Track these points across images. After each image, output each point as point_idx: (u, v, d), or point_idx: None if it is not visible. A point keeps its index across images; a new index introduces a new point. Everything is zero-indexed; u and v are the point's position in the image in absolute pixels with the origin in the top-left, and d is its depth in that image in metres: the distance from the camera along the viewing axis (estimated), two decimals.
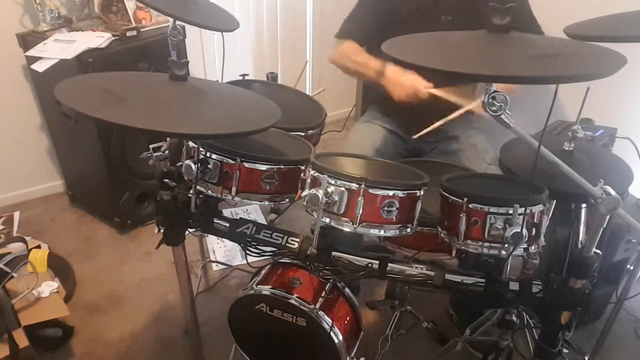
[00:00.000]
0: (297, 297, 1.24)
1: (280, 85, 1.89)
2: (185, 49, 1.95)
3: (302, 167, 1.18)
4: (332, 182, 1.05)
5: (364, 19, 1.77)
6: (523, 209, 0.98)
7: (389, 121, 1.84)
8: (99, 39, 1.98)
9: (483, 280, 1.14)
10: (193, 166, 1.13)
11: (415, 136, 1.58)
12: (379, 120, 1.84)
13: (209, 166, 1.15)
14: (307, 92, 2.34)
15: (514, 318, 1.39)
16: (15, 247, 1.89)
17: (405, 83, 1.56)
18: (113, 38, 2.01)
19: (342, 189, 1.04)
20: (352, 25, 1.79)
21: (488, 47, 0.91)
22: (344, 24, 1.83)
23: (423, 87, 1.54)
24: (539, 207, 1.04)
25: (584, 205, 1.09)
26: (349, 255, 1.21)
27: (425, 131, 1.58)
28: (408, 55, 0.88)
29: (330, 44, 1.87)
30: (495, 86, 0.81)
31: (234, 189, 1.16)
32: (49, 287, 1.69)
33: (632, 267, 1.59)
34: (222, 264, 2.13)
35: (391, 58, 0.88)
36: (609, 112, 1.82)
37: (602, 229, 0.97)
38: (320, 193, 1.02)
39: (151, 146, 1.26)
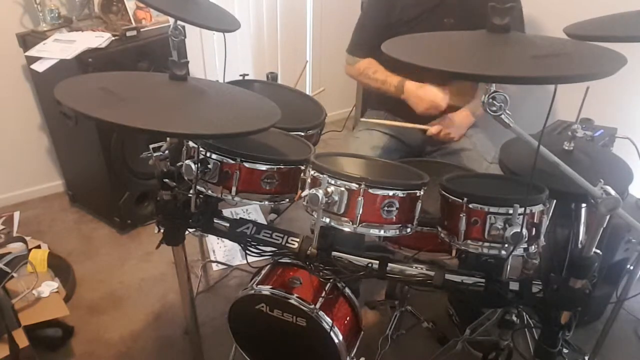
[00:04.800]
0: (297, 297, 1.24)
1: (280, 85, 1.88)
2: (185, 49, 1.96)
3: (302, 167, 1.18)
4: (332, 182, 1.05)
5: (371, 32, 1.78)
6: (523, 209, 0.99)
7: (390, 126, 1.84)
8: (99, 39, 1.98)
9: (483, 280, 1.14)
10: (193, 166, 1.13)
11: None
12: (378, 126, 1.84)
13: (209, 166, 1.15)
14: (307, 92, 2.34)
15: (514, 318, 1.39)
16: (15, 247, 1.89)
17: (424, 97, 1.64)
18: (113, 38, 2.01)
19: (342, 189, 1.04)
20: (361, 40, 1.82)
21: (488, 47, 0.91)
22: (353, 37, 1.85)
23: (441, 99, 1.62)
24: (539, 207, 1.04)
25: (584, 205, 1.09)
26: (349, 255, 1.21)
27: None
28: (408, 55, 0.88)
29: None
30: None
31: (234, 189, 1.16)
32: (49, 287, 1.69)
33: (632, 267, 1.59)
34: (222, 264, 2.13)
35: (391, 58, 0.88)
36: (609, 112, 1.82)
37: (602, 229, 0.97)
38: (320, 193, 1.02)
39: (151, 146, 1.26)
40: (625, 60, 0.83)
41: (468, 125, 1.77)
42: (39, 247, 1.97)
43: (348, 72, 1.88)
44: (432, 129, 1.71)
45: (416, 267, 1.19)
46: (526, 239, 1.00)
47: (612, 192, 0.89)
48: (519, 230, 0.98)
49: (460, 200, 1.04)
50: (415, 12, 1.70)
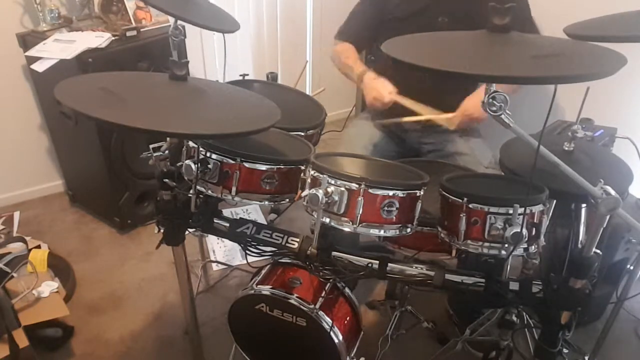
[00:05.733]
0: (297, 297, 1.24)
1: (280, 85, 1.88)
2: (185, 49, 1.96)
3: (302, 167, 1.18)
4: (332, 182, 1.05)
5: (359, 21, 1.84)
6: (523, 209, 0.99)
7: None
8: (99, 39, 1.98)
9: (483, 280, 1.14)
10: (193, 166, 1.13)
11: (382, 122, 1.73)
12: (378, 117, 1.84)
13: (209, 166, 1.15)
14: (307, 92, 2.34)
15: (514, 318, 1.39)
16: (15, 247, 1.88)
17: (374, 86, 1.66)
18: (113, 38, 2.01)
19: (342, 189, 1.04)
20: (347, 27, 1.87)
21: (488, 47, 0.91)
22: (343, 23, 1.89)
23: (387, 93, 1.63)
24: (539, 207, 1.04)
25: (584, 205, 1.09)
26: (349, 255, 1.21)
27: (391, 121, 1.73)
28: (409, 55, 0.88)
29: (330, 44, 1.91)
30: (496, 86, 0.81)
31: (234, 189, 1.16)
32: (49, 287, 1.69)
33: (632, 267, 1.59)
34: (222, 264, 2.13)
35: (391, 58, 0.88)
36: (609, 112, 1.82)
37: (602, 229, 0.97)
38: (320, 193, 1.02)
39: (151, 146, 1.26)
40: (625, 60, 0.83)
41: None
42: (39, 247, 1.97)
43: (331, 57, 1.89)
44: (454, 117, 1.63)
45: (416, 267, 1.19)
46: (526, 239, 1.00)
47: (612, 192, 0.89)
48: (519, 230, 0.98)
49: (460, 200, 1.04)
50: (409, 9, 1.71)
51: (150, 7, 2.16)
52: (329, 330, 1.21)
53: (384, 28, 1.78)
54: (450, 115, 1.64)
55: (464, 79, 1.68)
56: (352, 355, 1.32)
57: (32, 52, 1.99)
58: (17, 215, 2.39)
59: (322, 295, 1.26)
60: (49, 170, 2.56)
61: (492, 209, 1.02)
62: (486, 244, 1.04)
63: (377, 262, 1.20)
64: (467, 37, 0.97)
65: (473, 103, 1.65)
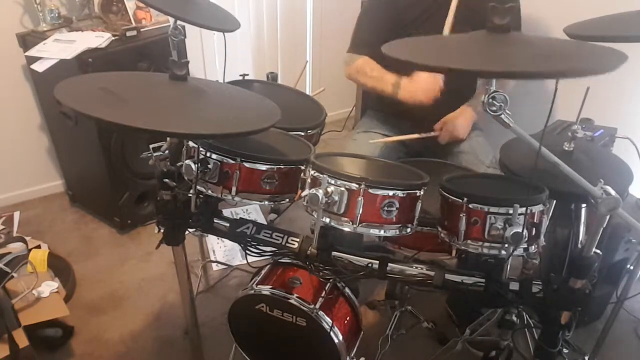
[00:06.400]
0: (297, 297, 1.24)
1: (280, 85, 1.88)
2: (185, 49, 1.96)
3: (302, 167, 1.18)
4: (332, 182, 1.05)
5: (372, 30, 1.76)
6: (523, 209, 0.99)
7: (389, 127, 1.83)
8: (99, 39, 1.98)
9: (483, 280, 1.14)
10: (193, 166, 1.13)
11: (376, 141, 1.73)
12: (377, 129, 1.82)
13: (209, 166, 1.15)
14: (307, 92, 2.34)
15: (514, 318, 1.39)
16: (15, 247, 1.88)
17: (419, 80, 1.60)
18: (113, 38, 2.01)
19: (342, 188, 1.04)
20: (360, 39, 1.79)
21: (488, 47, 0.91)
22: (353, 37, 1.82)
23: (434, 76, 1.59)
24: (539, 207, 1.04)
25: (584, 205, 1.09)
26: (349, 255, 1.21)
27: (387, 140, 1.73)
28: (409, 54, 0.88)
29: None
30: None
31: (234, 189, 1.16)
32: (49, 287, 1.69)
33: (632, 267, 1.59)
34: (222, 264, 2.13)
35: (392, 58, 0.88)
36: (609, 112, 1.82)
37: (602, 229, 0.97)
38: (320, 193, 1.02)
39: (151, 146, 1.26)
40: (626, 56, 0.83)
41: (471, 121, 1.76)
42: (39, 247, 1.97)
43: (347, 73, 1.82)
44: (441, 137, 1.72)
45: (416, 267, 1.19)
46: (526, 239, 1.00)
47: (612, 192, 0.89)
48: (519, 230, 0.98)
49: (460, 200, 1.04)
50: (416, 12, 1.70)
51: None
52: (329, 330, 1.21)
53: (395, 33, 1.76)
54: (436, 133, 1.73)
55: (465, 79, 1.68)
56: (352, 355, 1.32)
57: (32, 52, 1.99)
58: (17, 215, 2.39)
59: (322, 295, 1.26)
60: (49, 170, 2.56)
61: (492, 209, 1.02)
62: (486, 244, 1.04)
63: (377, 262, 1.20)
64: (467, 37, 0.97)
65: (459, 123, 1.72)
